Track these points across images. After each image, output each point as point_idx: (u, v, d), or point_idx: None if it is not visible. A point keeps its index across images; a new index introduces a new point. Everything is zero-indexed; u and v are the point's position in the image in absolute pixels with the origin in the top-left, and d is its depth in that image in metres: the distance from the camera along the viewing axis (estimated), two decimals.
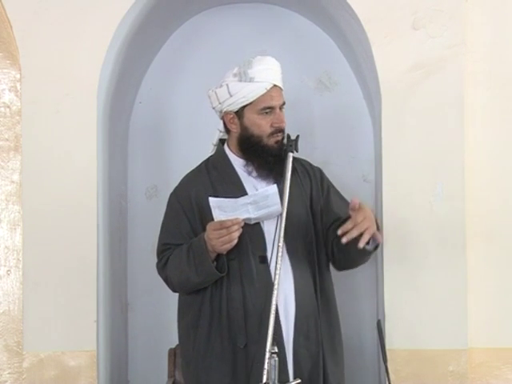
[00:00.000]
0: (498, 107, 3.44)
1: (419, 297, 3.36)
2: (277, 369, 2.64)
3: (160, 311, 3.89)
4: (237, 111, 3.13)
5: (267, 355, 2.64)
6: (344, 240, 2.94)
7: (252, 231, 3.05)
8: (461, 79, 3.39)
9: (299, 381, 2.71)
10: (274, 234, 3.01)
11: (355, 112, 3.90)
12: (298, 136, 3.10)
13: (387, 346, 3.13)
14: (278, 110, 3.13)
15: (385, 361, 2.90)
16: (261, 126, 3.11)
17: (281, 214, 2.90)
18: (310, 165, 3.32)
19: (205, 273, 3.03)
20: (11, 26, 3.42)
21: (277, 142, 3.12)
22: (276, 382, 2.64)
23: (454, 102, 3.38)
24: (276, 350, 2.65)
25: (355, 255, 3.08)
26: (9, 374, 3.46)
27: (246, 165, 3.16)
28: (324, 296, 3.16)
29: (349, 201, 3.09)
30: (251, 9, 3.95)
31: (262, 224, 3.07)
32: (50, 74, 3.43)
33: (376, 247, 3.08)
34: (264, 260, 3.06)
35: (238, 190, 3.10)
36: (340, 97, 3.93)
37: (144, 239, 3.88)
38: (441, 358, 3.35)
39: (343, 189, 3.40)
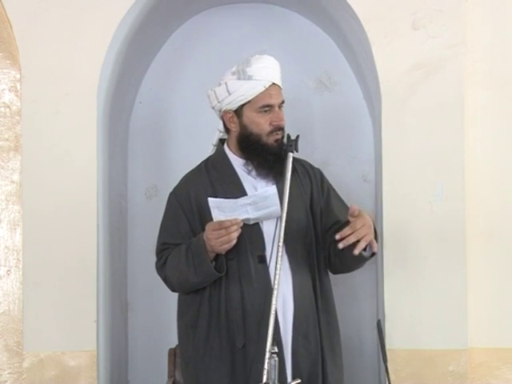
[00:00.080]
0: (497, 107, 3.44)
1: (419, 297, 3.36)
2: (277, 369, 2.64)
3: (160, 311, 3.89)
4: (236, 110, 3.13)
5: (267, 355, 2.64)
6: (341, 246, 2.94)
7: (251, 231, 3.04)
8: (461, 79, 3.39)
9: (299, 381, 2.71)
10: (272, 234, 3.00)
11: (355, 112, 3.90)
12: (298, 136, 3.09)
13: (387, 346, 3.13)
14: (276, 108, 3.12)
15: (385, 361, 2.89)
16: (260, 124, 3.11)
17: (281, 215, 2.90)
18: (311, 165, 3.32)
19: (203, 273, 3.03)
20: (11, 26, 3.42)
21: (276, 141, 3.12)
22: (276, 382, 2.64)
23: (454, 102, 3.38)
24: (276, 350, 2.65)
25: (350, 261, 3.08)
26: (9, 374, 3.47)
27: (246, 164, 3.16)
28: (323, 296, 3.15)
29: (348, 205, 3.09)
30: (251, 9, 3.95)
31: (260, 224, 3.07)
32: (50, 74, 3.43)
33: (372, 255, 3.08)
34: (263, 260, 3.06)
35: (237, 190, 3.09)
36: (340, 97, 3.93)
37: (144, 239, 3.88)
38: (441, 357, 3.35)
39: (343, 189, 3.40)
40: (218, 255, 3.03)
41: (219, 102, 3.14)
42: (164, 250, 3.16)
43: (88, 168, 3.43)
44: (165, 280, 3.17)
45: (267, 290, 2.97)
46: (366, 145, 3.86)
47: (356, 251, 2.93)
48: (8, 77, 3.50)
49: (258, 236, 3.07)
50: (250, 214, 2.98)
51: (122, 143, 3.93)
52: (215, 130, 3.29)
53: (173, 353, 3.58)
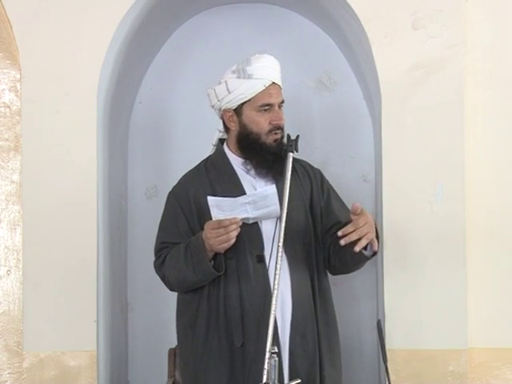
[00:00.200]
0: (497, 107, 3.44)
1: (419, 297, 3.36)
2: (276, 369, 2.64)
3: (160, 311, 3.89)
4: (235, 109, 3.13)
5: (267, 355, 2.64)
6: (342, 242, 2.94)
7: (250, 230, 3.04)
8: (461, 79, 3.39)
9: (299, 381, 2.71)
10: (271, 234, 3.01)
11: (355, 112, 3.90)
12: (298, 136, 3.09)
13: (387, 346, 3.13)
14: (276, 107, 3.12)
15: (385, 361, 2.90)
16: (259, 123, 3.11)
17: (280, 215, 2.90)
18: (310, 166, 3.32)
19: (202, 272, 3.03)
20: (11, 26, 3.43)
21: (275, 140, 3.12)
22: (276, 382, 2.64)
23: (453, 102, 3.38)
24: (276, 350, 2.65)
25: (351, 260, 3.08)
26: (9, 374, 3.47)
27: (245, 163, 3.16)
28: (321, 296, 3.15)
29: (348, 206, 3.09)
30: (251, 9, 3.95)
31: (259, 223, 3.07)
32: (50, 74, 3.43)
33: (373, 255, 3.08)
34: (261, 259, 3.06)
35: (236, 189, 3.09)
36: (340, 97, 3.93)
37: (144, 239, 3.87)
38: (441, 357, 3.35)
39: (343, 189, 3.41)
40: (216, 254, 3.03)
41: (219, 101, 3.15)
42: (163, 249, 3.16)
43: (88, 168, 3.43)
44: (163, 279, 3.17)
45: (266, 290, 2.97)
46: (365, 145, 3.85)
47: (357, 248, 2.93)
48: (8, 77, 3.50)
49: (257, 235, 3.07)
50: (249, 214, 2.98)
51: (121, 143, 3.93)
52: (215, 130, 3.29)
53: (173, 353, 3.58)
